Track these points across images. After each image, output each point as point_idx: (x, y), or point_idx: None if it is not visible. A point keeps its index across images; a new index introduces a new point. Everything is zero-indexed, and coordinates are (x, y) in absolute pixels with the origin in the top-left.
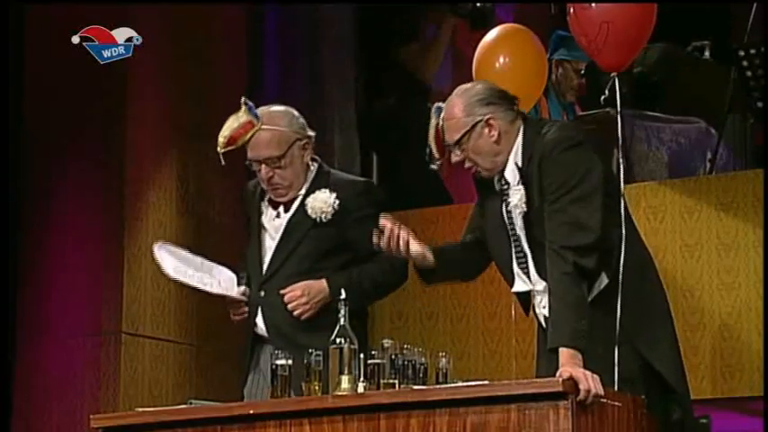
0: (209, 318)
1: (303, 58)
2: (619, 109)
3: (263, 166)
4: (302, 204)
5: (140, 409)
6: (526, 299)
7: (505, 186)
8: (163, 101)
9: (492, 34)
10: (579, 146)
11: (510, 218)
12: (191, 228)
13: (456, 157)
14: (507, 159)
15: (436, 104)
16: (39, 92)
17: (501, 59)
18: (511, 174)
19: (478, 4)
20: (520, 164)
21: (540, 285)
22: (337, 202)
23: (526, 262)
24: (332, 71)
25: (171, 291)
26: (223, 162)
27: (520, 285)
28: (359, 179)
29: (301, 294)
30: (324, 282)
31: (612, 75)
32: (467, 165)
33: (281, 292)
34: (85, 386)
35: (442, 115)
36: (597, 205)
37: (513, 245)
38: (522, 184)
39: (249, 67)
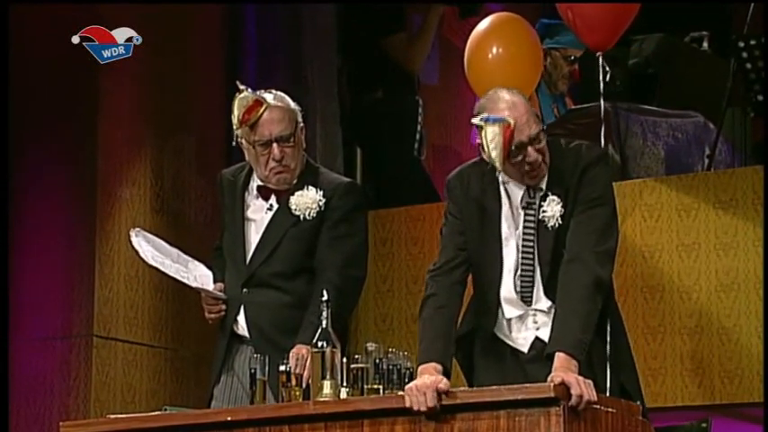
0: (184, 321)
1: (283, 51)
2: (602, 90)
3: (275, 145)
4: (288, 200)
5: (112, 416)
6: None
7: (533, 197)
8: (137, 95)
9: (484, 23)
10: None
11: (528, 234)
12: (165, 226)
13: (534, 154)
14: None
15: (481, 116)
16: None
17: (494, 50)
18: (544, 183)
19: None
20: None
21: (545, 305)
22: (324, 200)
23: (532, 282)
24: (314, 63)
25: (145, 292)
26: (235, 143)
27: (512, 311)
28: (343, 179)
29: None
30: (302, 347)
31: (597, 54)
32: (538, 161)
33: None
34: (55, 391)
35: (508, 119)
36: (617, 223)
37: (519, 266)
38: (557, 195)
39: (227, 61)
